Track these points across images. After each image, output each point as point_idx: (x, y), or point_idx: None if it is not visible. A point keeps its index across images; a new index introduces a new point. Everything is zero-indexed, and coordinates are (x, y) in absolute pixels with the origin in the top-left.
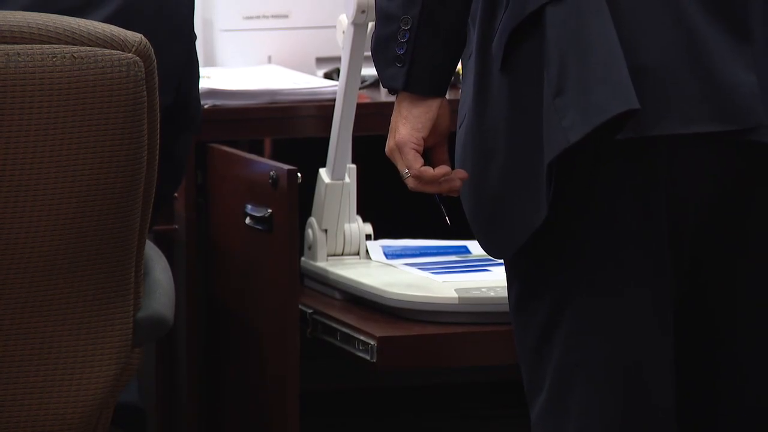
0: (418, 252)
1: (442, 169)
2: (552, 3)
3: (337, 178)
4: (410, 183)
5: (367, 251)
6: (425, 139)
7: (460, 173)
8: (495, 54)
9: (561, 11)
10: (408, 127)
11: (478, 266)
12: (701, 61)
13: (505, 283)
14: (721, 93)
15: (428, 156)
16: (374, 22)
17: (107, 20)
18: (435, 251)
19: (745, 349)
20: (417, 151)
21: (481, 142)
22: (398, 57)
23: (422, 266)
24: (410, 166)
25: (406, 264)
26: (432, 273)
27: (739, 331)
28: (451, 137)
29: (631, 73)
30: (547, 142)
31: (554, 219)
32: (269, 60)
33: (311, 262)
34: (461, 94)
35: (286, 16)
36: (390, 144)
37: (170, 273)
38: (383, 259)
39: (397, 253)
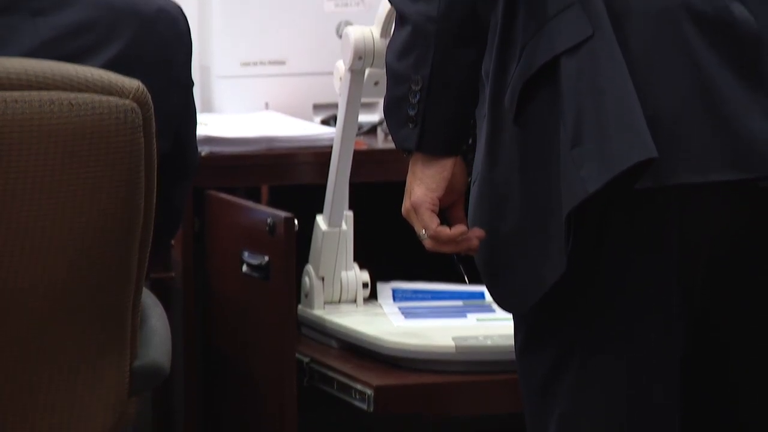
0: (429, 296)
1: (459, 228)
2: (566, 54)
3: (334, 225)
4: (427, 244)
5: (364, 299)
6: (441, 199)
7: (477, 232)
8: (508, 107)
9: (575, 61)
10: (423, 187)
11: (488, 309)
12: (716, 109)
13: (503, 332)
14: (738, 141)
15: (444, 215)
16: (371, 69)
17: (106, 67)
18: (447, 295)
19: (761, 399)
20: (433, 212)
21: (494, 196)
22: (410, 118)
23: (430, 310)
24: (426, 226)
25: (412, 307)
26: (439, 318)
27: (754, 380)
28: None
29: (647, 122)
30: (566, 193)
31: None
32: (266, 106)
33: (308, 309)
34: (476, 153)
35: (283, 63)
36: (406, 205)
37: (167, 321)
38: (391, 301)
39: (408, 296)
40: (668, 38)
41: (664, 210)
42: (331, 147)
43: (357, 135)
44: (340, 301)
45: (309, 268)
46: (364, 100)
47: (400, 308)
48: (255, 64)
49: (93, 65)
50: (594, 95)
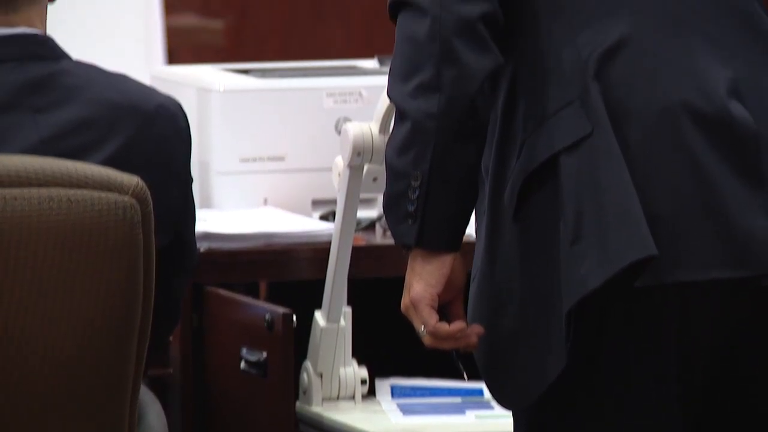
0: (428, 392)
1: (458, 324)
2: (565, 151)
3: (333, 321)
4: (426, 340)
5: (362, 395)
6: (440, 295)
7: (476, 328)
8: (507, 203)
9: (575, 159)
10: (422, 283)
11: (487, 406)
12: (716, 207)
13: (502, 429)
14: (738, 239)
15: (444, 311)
16: (370, 165)
17: (105, 163)
18: (446, 392)
19: None
20: (432, 308)
21: (494, 292)
22: (409, 213)
23: (428, 407)
24: (425, 322)
25: (411, 404)
26: (437, 415)
27: None
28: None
29: (647, 219)
30: (565, 290)
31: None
32: (265, 202)
33: (306, 406)
34: (475, 249)
35: (282, 159)
36: (405, 301)
37: (164, 419)
38: (389, 397)
39: (406, 392)
40: (667, 137)
41: (664, 305)
42: (330, 242)
43: (356, 231)
44: (338, 398)
45: (307, 364)
46: (362, 195)
47: (398, 405)
48: (254, 160)
49: (93, 162)
50: (593, 192)
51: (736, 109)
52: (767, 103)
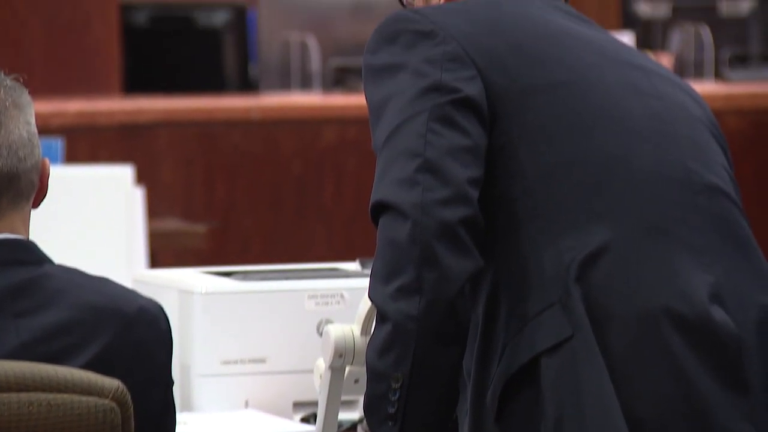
0: None
1: None
2: (546, 353)
3: None
4: None
5: None
6: None
7: None
8: (489, 406)
9: (555, 362)
10: None
11: None
12: (698, 412)
13: None
14: None
15: None
16: (352, 366)
17: (86, 366)
18: None
19: None
20: None
21: None
22: (389, 415)
23: None
24: None
25: None
26: None
27: None
28: None
29: (628, 423)
30: None
31: None
32: (246, 404)
33: None
34: None
35: (263, 361)
36: None
37: None
38: None
39: None
40: (649, 341)
41: None
42: None
43: None
44: None
45: None
46: (344, 397)
47: None
48: (235, 362)
49: (73, 365)
50: (573, 395)
51: (718, 313)
52: (748, 308)
